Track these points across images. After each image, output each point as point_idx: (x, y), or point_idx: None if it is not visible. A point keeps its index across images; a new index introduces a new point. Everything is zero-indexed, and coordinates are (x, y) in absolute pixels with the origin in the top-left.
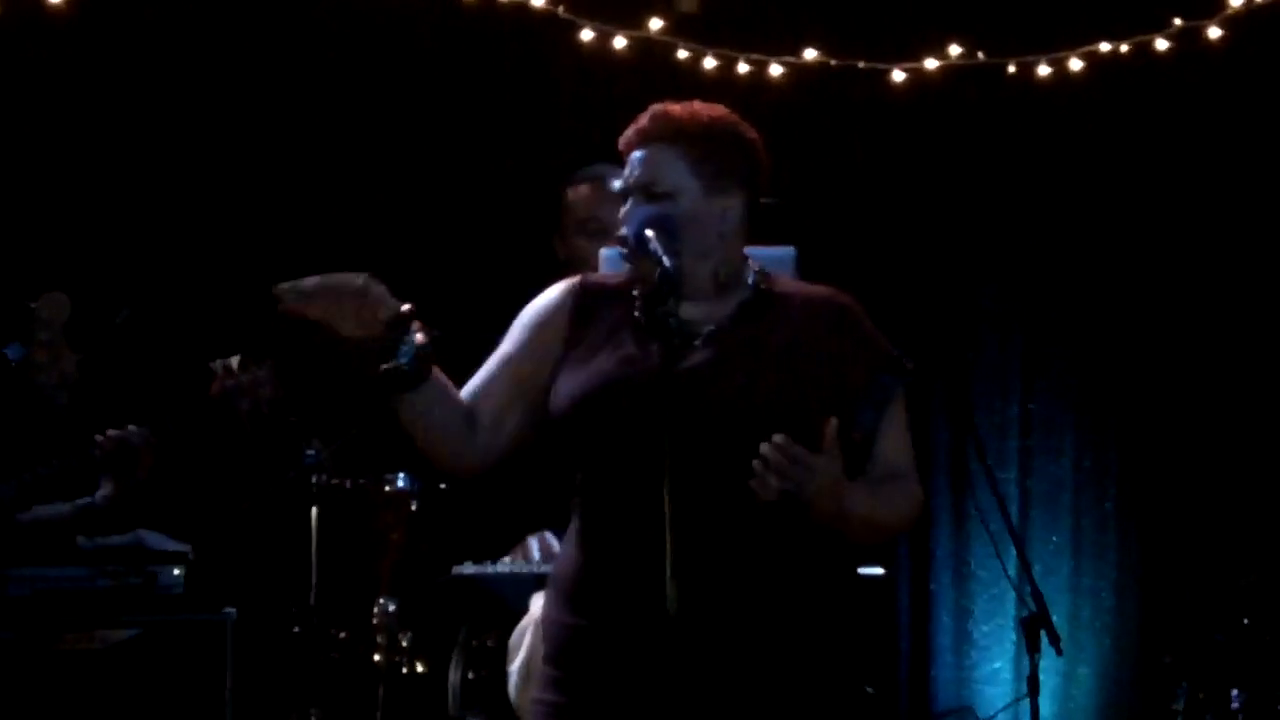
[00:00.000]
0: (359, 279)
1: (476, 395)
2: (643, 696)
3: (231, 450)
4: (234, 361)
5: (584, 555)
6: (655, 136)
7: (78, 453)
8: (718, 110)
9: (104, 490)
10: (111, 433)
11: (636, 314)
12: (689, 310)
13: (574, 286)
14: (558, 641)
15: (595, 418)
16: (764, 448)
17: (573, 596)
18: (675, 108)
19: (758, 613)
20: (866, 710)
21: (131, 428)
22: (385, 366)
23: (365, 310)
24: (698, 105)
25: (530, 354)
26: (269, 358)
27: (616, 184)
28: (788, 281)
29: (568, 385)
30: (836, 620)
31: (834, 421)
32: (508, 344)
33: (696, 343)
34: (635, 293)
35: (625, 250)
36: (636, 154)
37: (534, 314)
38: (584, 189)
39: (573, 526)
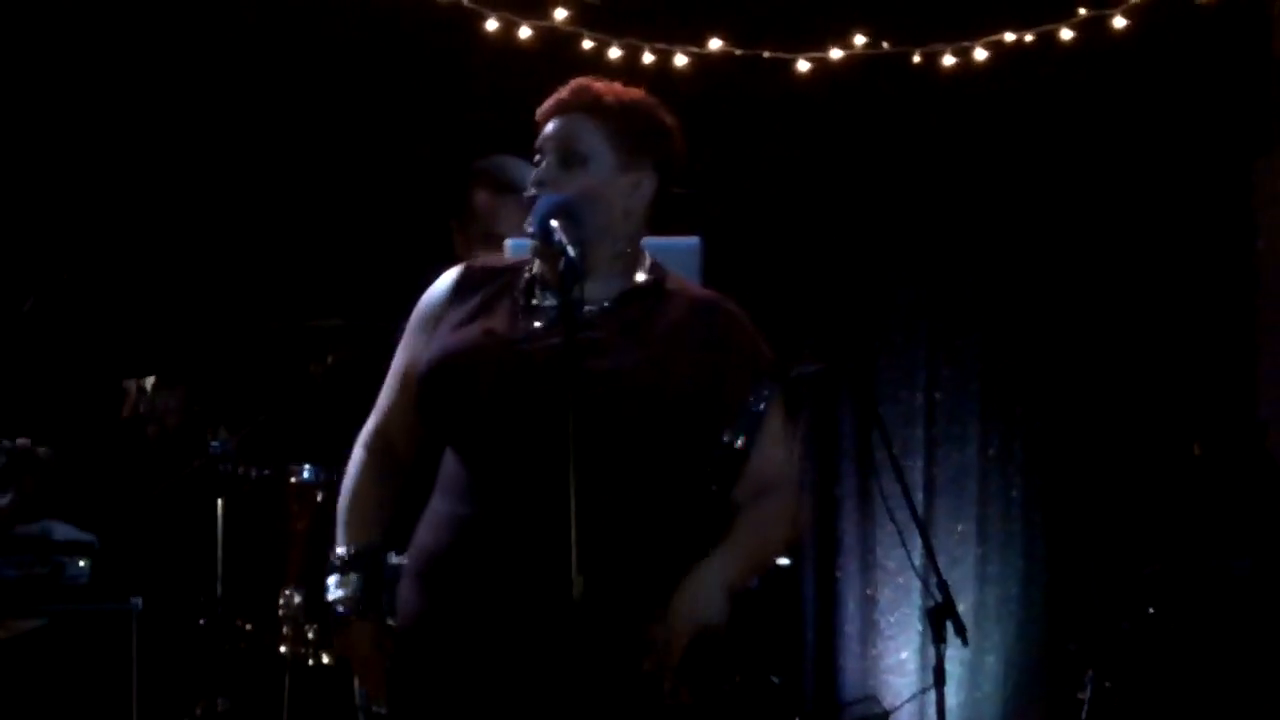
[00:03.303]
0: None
1: (391, 424)
2: (530, 681)
3: (133, 464)
4: (149, 383)
5: (452, 536)
6: (575, 106)
7: None
8: (638, 92)
9: (4, 498)
10: (19, 442)
11: (517, 293)
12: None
13: (459, 271)
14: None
15: (447, 383)
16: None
17: (441, 580)
18: (597, 83)
19: (655, 596)
20: (771, 699)
21: (22, 441)
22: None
23: None
24: (619, 85)
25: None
26: (181, 383)
27: (526, 172)
28: (678, 279)
29: (431, 350)
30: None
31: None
32: (405, 355)
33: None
34: (530, 272)
35: (531, 238)
36: (555, 121)
37: (421, 314)
38: (484, 196)
39: (431, 508)
